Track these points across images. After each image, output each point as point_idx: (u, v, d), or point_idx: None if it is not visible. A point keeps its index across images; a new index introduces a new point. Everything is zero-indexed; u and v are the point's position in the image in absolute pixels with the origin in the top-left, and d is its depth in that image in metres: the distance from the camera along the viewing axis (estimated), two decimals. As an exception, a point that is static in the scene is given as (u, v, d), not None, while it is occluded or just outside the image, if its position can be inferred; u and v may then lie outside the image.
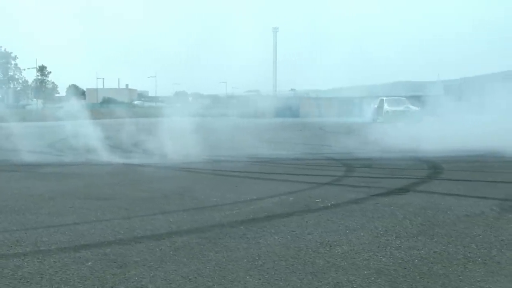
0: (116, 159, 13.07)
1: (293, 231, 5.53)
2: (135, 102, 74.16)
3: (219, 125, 31.50)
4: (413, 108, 34.00)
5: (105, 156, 13.52)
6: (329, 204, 6.95)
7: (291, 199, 7.40)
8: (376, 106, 37.78)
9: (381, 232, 5.47)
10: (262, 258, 4.56)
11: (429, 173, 10.10)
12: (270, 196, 7.61)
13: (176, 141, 18.14)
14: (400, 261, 4.50)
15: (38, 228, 5.75)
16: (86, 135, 16.82)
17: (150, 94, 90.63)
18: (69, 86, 72.86)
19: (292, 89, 76.78)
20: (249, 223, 5.90)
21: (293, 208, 6.72)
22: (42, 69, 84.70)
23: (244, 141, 18.59)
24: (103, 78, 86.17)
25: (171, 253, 4.73)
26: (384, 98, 38.08)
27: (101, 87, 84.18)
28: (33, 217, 6.30)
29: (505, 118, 26.45)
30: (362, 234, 5.42)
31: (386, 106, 35.76)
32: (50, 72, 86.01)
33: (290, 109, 52.54)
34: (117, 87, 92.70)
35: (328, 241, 5.13)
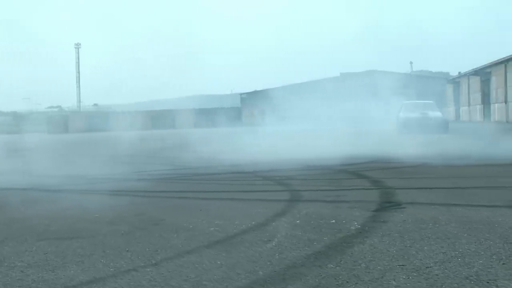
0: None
1: (402, 265, 4.17)
2: None
3: (50, 142, 28.58)
4: (433, 114, 26.03)
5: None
6: (358, 226, 5.67)
7: (297, 221, 6.02)
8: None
9: (494, 258, 4.34)
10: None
11: (371, 182, 9.20)
12: (268, 219, 6.19)
13: (28, 159, 15.74)
14: None
15: (57, 292, 3.74)
16: None
17: None
18: None
19: (95, 104, 73.13)
20: (322, 258, 4.45)
21: (332, 233, 5.38)
22: None
23: (106, 157, 16.56)
24: None
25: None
26: (405, 102, 28.85)
27: None
28: (18, 274, 4.25)
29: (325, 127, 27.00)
30: (480, 261, 4.26)
31: (401, 113, 26.72)
32: None
33: (99, 123, 49.75)
34: None
35: (470, 275, 3.87)
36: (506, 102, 46.55)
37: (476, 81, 54.42)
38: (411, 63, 79.41)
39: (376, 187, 8.58)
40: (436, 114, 25.87)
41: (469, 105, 56.00)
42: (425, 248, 4.68)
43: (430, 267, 4.12)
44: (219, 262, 4.40)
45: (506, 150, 13.80)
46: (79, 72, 69.63)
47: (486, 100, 51.83)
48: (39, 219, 6.53)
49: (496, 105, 48.80)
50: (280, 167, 12.06)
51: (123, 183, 10.23)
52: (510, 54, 45.70)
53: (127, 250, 4.89)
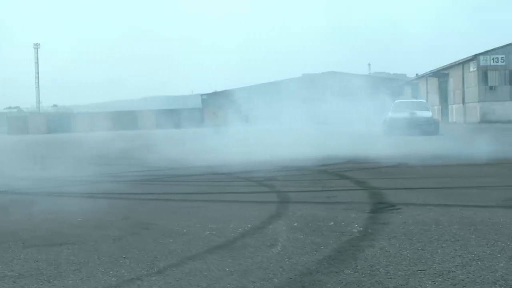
0: None
1: (423, 269, 3.96)
2: None
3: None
4: (422, 114, 24.23)
5: None
6: (360, 228, 5.45)
7: (295, 224, 5.77)
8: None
9: (514, 260, 4.14)
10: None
11: (355, 183, 9.02)
12: (263, 221, 5.93)
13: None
14: None
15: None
16: None
17: None
18: None
19: (54, 105, 71.50)
20: (335, 263, 4.21)
21: (335, 236, 5.16)
22: None
23: (73, 158, 16.02)
24: None
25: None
26: (396, 101, 26.90)
27: None
28: (11, 285, 3.94)
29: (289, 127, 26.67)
30: (501, 264, 4.15)
31: (389, 113, 24.74)
32: None
33: (60, 124, 48.67)
34: None
35: (497, 280, 3.71)
36: (463, 103, 47.34)
37: (434, 83, 55.22)
38: (369, 65, 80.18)
39: (362, 188, 8.40)
40: (426, 114, 24.32)
41: (427, 106, 56.74)
42: (439, 251, 4.48)
43: (452, 271, 3.91)
44: (227, 269, 4.11)
45: (477, 150, 13.83)
46: (38, 73, 68.01)
47: (443, 101, 52.60)
48: (20, 224, 6.12)
49: (454, 106, 49.58)
50: (256, 168, 11.78)
51: (97, 185, 9.83)
52: (467, 56, 46.48)
53: (124, 257, 4.55)
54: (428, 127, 23.07)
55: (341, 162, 12.58)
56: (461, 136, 19.69)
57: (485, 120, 43.77)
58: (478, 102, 45.68)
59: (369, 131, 24.49)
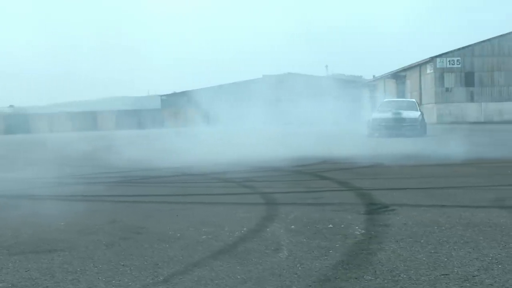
0: None
1: (445, 274, 3.75)
2: None
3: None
4: (408, 114, 22.57)
5: None
6: (362, 231, 5.24)
7: (292, 226, 5.52)
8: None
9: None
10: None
11: (338, 183, 8.83)
12: (258, 224, 5.68)
13: None
14: None
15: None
16: None
17: None
18: None
19: (11, 106, 69.80)
20: (352, 268, 3.99)
21: (339, 239, 4.93)
22: None
23: (38, 160, 15.45)
24: None
25: None
26: (384, 100, 25.70)
27: None
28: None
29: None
30: (522, 268, 3.86)
31: (375, 113, 23.10)
32: None
33: (18, 125, 47.44)
34: None
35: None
36: (421, 104, 47.91)
37: (392, 84, 55.81)
38: (326, 66, 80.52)
39: (347, 189, 8.20)
40: (412, 114, 22.75)
41: (385, 107, 57.28)
42: (453, 254, 4.29)
43: (476, 275, 3.71)
44: (239, 277, 3.82)
45: (447, 150, 13.83)
46: (-6, 72, 66.14)
47: (401, 102, 53.18)
48: (8, 229, 5.69)
49: (412, 107, 50.09)
50: (231, 168, 11.48)
51: (70, 187, 9.39)
52: (424, 58, 47.10)
53: (123, 264, 4.21)
54: (414, 128, 21.97)
55: (316, 163, 12.38)
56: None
57: (441, 121, 44.42)
58: (435, 103, 46.36)
59: (341, 131, 24.35)
